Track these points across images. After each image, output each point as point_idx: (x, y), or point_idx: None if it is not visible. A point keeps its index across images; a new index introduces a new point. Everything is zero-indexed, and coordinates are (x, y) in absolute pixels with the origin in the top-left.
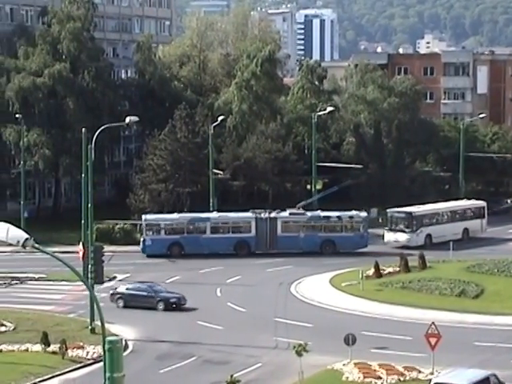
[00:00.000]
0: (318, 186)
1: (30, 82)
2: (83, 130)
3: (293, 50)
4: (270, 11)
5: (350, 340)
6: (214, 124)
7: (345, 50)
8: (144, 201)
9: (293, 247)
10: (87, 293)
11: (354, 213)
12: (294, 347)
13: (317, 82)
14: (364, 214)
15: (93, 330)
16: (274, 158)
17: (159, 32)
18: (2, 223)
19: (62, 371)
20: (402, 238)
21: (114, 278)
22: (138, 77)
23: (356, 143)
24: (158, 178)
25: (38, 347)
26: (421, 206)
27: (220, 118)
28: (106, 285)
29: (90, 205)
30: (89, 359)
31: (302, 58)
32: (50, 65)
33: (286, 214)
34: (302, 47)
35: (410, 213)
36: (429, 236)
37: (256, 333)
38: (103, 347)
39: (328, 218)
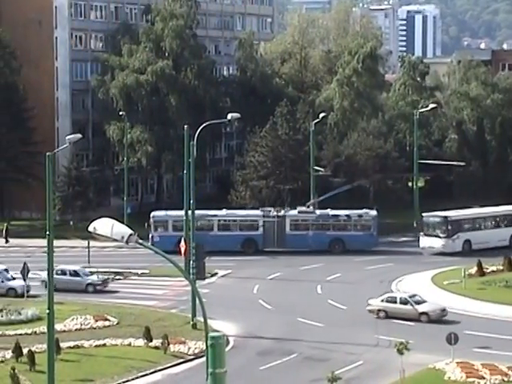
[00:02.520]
0: (420, 184)
1: (133, 80)
2: (185, 126)
3: (394, 46)
4: (371, 7)
5: (452, 339)
6: (315, 121)
7: (447, 46)
8: (245, 197)
9: (301, 245)
10: (188, 288)
11: (363, 211)
12: (396, 345)
13: (419, 79)
14: (374, 212)
15: (194, 326)
16: (375, 155)
17: (261, 29)
18: (107, 219)
19: (164, 366)
20: (437, 243)
21: (216, 274)
22: (239, 74)
23: (458, 140)
24: (259, 174)
25: (141, 342)
26: (460, 210)
27: (321, 115)
28: (207, 281)
29: (191, 201)
30: (190, 355)
31: (404, 54)
32: (153, 62)
33: (294, 212)
34: (404, 43)
35: (446, 217)
36: (468, 242)
37: (357, 330)
38: (206, 343)
39: (337, 216)
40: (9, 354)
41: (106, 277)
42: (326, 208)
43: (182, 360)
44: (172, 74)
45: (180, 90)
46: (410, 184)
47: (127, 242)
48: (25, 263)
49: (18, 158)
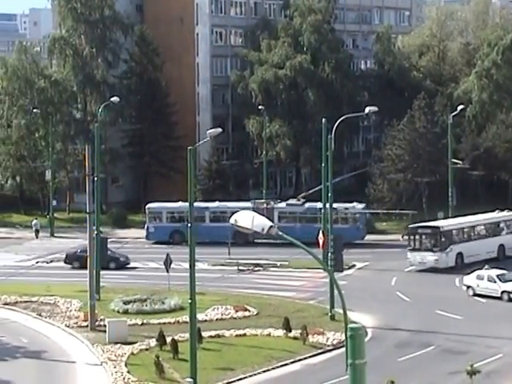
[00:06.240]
0: None
1: (272, 74)
2: (323, 120)
3: None
4: None
5: None
6: (453, 113)
7: None
8: (383, 190)
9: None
10: (326, 280)
11: (349, 205)
12: None
13: None
14: (361, 206)
15: (332, 317)
16: None
17: (399, 22)
18: (247, 211)
19: (303, 356)
20: (429, 258)
21: (353, 266)
22: (377, 67)
23: None
24: (397, 167)
25: (280, 332)
26: (447, 219)
27: (459, 108)
28: (345, 272)
29: (329, 194)
30: (329, 345)
31: None
32: (292, 57)
33: (283, 204)
34: None
35: (438, 228)
36: (460, 255)
37: (496, 323)
38: (345, 334)
39: None
40: (153, 343)
41: None
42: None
43: (320, 351)
44: (310, 69)
45: (318, 84)
46: None
47: (267, 234)
48: (167, 254)
49: (161, 152)
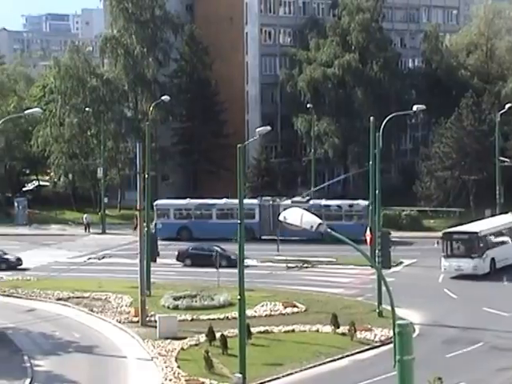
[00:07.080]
0: None
1: (320, 73)
2: (371, 118)
3: None
4: None
5: None
6: (501, 112)
7: None
8: (430, 188)
9: (294, 234)
10: (374, 277)
11: (353, 202)
12: None
13: None
14: (365, 203)
15: (380, 314)
16: None
17: (446, 21)
18: (296, 209)
19: (351, 352)
20: (467, 265)
21: (401, 263)
22: (424, 66)
23: None
24: (444, 165)
25: (328, 328)
26: (478, 223)
27: (507, 106)
28: (392, 269)
29: (377, 191)
30: (376, 341)
31: None
32: (340, 56)
33: (288, 201)
34: None
35: (476, 233)
36: (493, 260)
37: None
38: (393, 330)
39: (328, 206)
40: (203, 338)
41: None
42: None
43: (368, 347)
44: (358, 67)
45: (366, 83)
46: None
47: (316, 231)
48: (216, 251)
49: (211, 150)
